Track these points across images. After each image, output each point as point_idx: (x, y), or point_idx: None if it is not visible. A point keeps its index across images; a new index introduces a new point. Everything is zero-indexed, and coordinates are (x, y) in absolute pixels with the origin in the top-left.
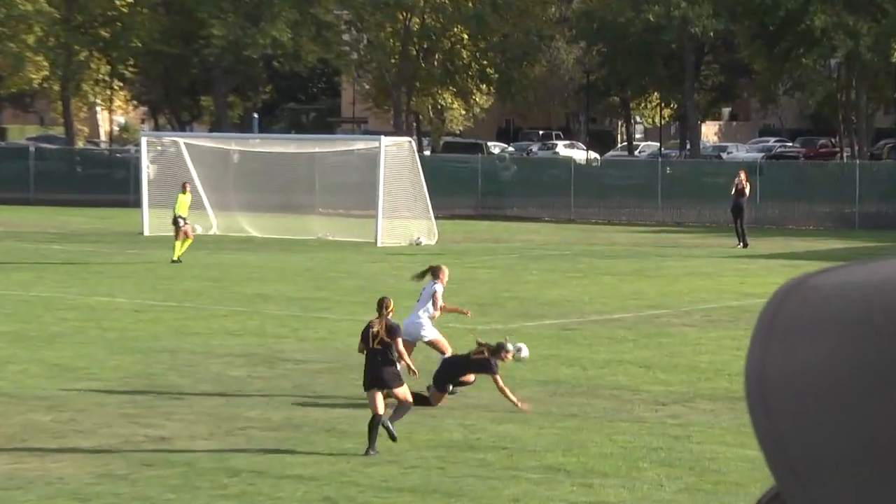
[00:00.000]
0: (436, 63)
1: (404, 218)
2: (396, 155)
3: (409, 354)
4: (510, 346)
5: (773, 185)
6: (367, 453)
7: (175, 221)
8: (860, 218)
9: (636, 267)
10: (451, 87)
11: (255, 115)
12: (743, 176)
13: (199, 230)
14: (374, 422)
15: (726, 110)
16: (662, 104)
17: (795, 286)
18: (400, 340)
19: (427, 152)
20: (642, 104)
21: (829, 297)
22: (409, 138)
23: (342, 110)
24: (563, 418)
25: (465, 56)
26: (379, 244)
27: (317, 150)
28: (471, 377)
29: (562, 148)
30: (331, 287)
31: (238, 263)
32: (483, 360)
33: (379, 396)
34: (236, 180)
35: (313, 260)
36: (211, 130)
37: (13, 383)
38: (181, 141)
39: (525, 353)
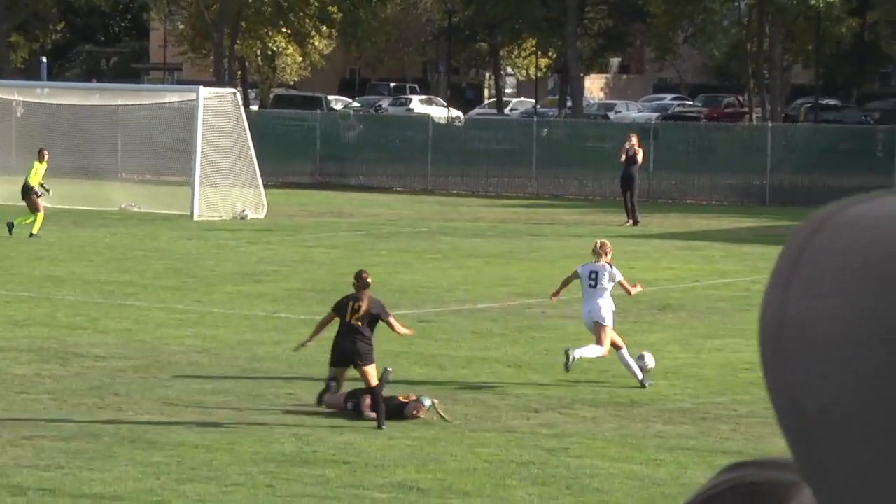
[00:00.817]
0: None
1: (227, 186)
2: (218, 110)
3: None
4: (425, 402)
5: (668, 152)
6: (380, 427)
7: (31, 192)
8: (771, 192)
9: (506, 248)
10: (284, 29)
11: (44, 59)
12: (634, 140)
13: None
14: (378, 390)
15: (615, 61)
16: (539, 53)
17: (826, 218)
18: (391, 317)
19: (254, 107)
20: (515, 53)
21: (864, 233)
22: (233, 90)
23: (150, 55)
24: (417, 427)
25: None
26: (195, 217)
27: (119, 102)
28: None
29: (417, 104)
30: (137, 269)
31: (23, 239)
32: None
33: (370, 370)
34: (20, 138)
35: (115, 236)
36: None
37: None
38: None
39: (651, 362)
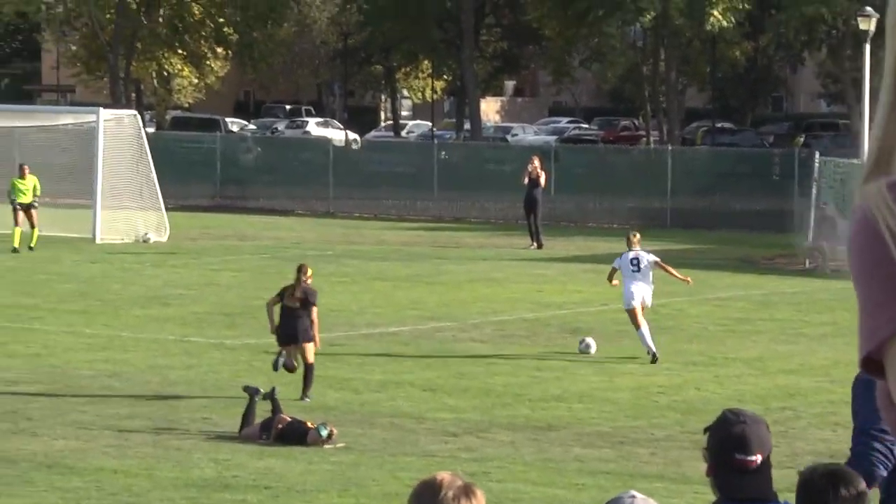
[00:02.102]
0: (161, 20)
1: (128, 209)
2: (117, 132)
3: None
4: (322, 432)
5: (569, 175)
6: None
7: (27, 208)
8: (672, 215)
9: (411, 271)
10: (179, 51)
11: None
12: (537, 162)
13: None
14: (308, 370)
15: (510, 84)
16: (434, 75)
17: None
18: (316, 309)
19: (151, 129)
20: (411, 75)
21: None
22: (132, 111)
23: (42, 76)
24: (336, 452)
25: (196, 12)
26: (98, 240)
27: (17, 124)
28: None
29: (314, 126)
30: (42, 292)
31: None
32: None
33: (309, 347)
34: None
35: (17, 259)
36: None
37: None
38: None
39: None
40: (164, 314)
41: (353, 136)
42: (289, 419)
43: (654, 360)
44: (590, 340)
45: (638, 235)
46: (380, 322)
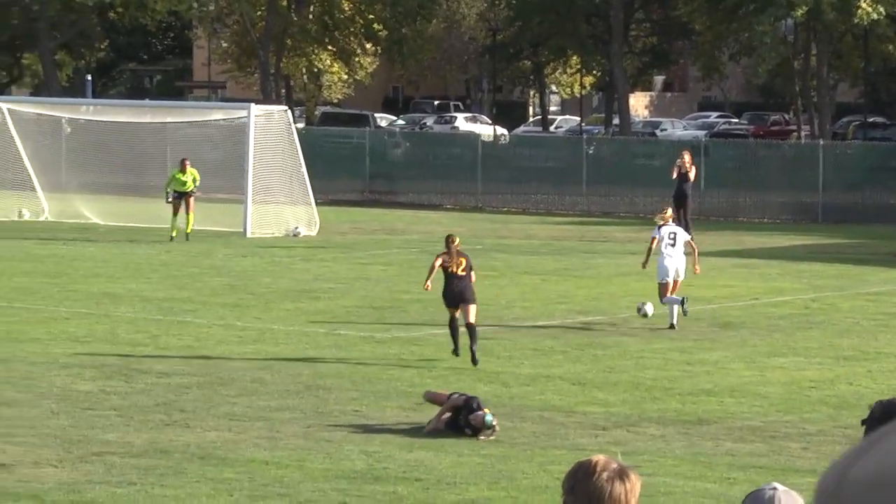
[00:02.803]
0: (311, 16)
1: (279, 203)
2: (267, 127)
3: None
4: (488, 422)
5: (719, 170)
6: (455, 353)
7: (186, 195)
8: (824, 209)
9: (560, 265)
10: (329, 47)
11: (89, 78)
12: (687, 157)
13: (27, 216)
14: (454, 326)
15: (659, 79)
16: (583, 70)
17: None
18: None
19: (300, 125)
20: (559, 70)
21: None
22: (283, 107)
23: (194, 73)
24: (486, 445)
25: (346, 8)
26: (249, 234)
27: (168, 119)
28: None
29: (462, 121)
30: (194, 286)
31: (78, 256)
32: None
33: (470, 308)
34: (70, 156)
35: (170, 253)
36: (34, 94)
37: None
38: (4, 106)
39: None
40: (314, 307)
41: (501, 131)
42: (467, 396)
43: (672, 327)
44: (648, 306)
45: (670, 210)
46: (528, 316)
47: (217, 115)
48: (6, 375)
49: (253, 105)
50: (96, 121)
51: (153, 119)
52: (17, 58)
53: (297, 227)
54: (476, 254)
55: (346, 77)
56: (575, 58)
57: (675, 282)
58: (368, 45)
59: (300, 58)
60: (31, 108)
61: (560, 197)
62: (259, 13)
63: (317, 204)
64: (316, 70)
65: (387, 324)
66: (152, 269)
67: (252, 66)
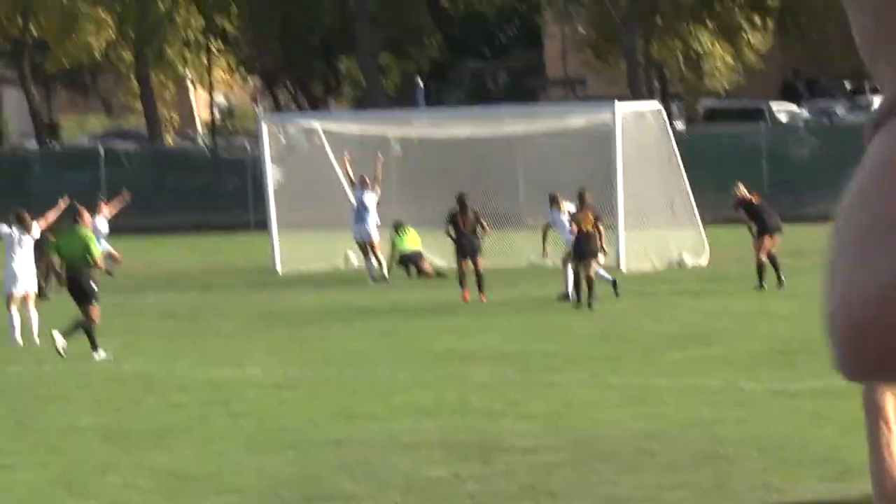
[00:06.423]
0: None
1: (656, 227)
2: (637, 131)
3: None
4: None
5: None
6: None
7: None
8: None
9: None
10: (708, 23)
11: (420, 83)
12: None
13: (354, 261)
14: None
15: None
16: None
17: None
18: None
19: (679, 124)
20: None
21: None
22: (656, 104)
23: (546, 67)
24: None
25: None
26: (623, 268)
27: (518, 129)
28: None
29: None
30: (558, 336)
31: (417, 306)
32: None
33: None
34: (401, 181)
35: (524, 297)
36: (356, 108)
37: (114, 502)
38: (319, 126)
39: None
40: (706, 355)
41: None
42: None
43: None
44: None
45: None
46: None
47: (572, 121)
48: (340, 461)
49: (618, 103)
50: (433, 138)
51: (499, 130)
52: (331, 65)
53: (681, 255)
54: None
55: (732, 61)
56: None
57: None
58: (756, 19)
59: (674, 40)
60: (354, 125)
61: None
62: None
63: (704, 224)
64: (694, 55)
65: (797, 371)
66: (503, 316)
67: (614, 55)
